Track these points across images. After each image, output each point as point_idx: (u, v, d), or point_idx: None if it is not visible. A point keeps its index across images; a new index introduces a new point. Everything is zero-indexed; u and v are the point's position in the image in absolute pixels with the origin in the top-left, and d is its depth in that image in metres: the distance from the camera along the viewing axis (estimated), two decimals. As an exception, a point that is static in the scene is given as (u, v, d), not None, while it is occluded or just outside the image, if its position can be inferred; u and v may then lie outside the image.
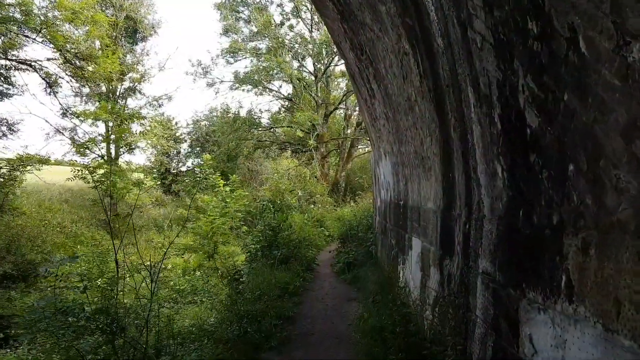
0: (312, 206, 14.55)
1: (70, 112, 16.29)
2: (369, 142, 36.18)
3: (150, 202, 22.72)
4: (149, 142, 32.48)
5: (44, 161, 13.85)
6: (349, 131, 28.45)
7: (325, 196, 21.43)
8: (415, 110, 4.68)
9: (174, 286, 8.48)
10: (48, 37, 11.77)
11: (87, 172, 7.30)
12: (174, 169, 33.95)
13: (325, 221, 14.14)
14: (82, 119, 17.38)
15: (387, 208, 7.61)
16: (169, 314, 5.60)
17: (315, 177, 23.36)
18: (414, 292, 4.89)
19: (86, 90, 19.84)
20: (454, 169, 3.59)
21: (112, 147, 21.96)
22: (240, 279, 7.80)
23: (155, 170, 32.23)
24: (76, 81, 15.01)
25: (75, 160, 21.29)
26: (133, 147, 20.82)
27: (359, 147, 30.51)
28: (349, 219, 11.67)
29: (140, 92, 21.47)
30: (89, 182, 7.37)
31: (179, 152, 34.73)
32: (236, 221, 17.17)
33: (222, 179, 17.48)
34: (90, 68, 14.42)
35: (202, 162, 31.19)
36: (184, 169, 35.00)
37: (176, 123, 34.53)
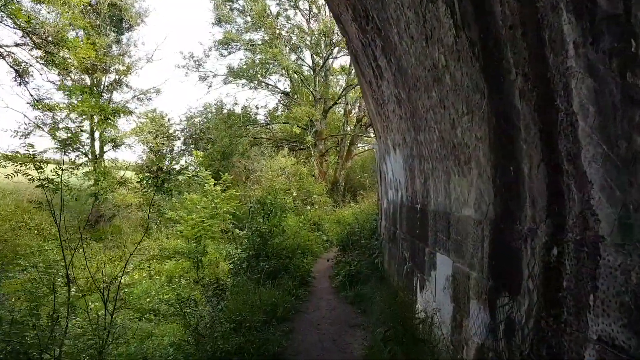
0: (309, 207, 13.27)
1: (42, 104, 14.94)
2: (369, 138, 34.91)
3: (137, 202, 21.38)
4: (139, 139, 31.30)
5: (10, 158, 12.50)
6: (348, 128, 27.16)
7: (324, 196, 20.14)
8: (445, 80, 3.40)
9: (141, 304, 7.17)
10: (6, 12, 10.44)
11: (31, 167, 5.82)
12: (166, 168, 32.64)
13: (323, 224, 12.87)
14: (61, 111, 16.07)
15: (396, 211, 6.33)
16: None
17: (313, 176, 22.08)
18: (442, 328, 3.61)
19: (68, 82, 18.53)
20: (519, 158, 2.31)
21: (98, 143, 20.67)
22: (223, 295, 6.53)
23: (147, 168, 31.04)
24: (48, 69, 13.68)
25: (54, 158, 19.97)
26: (119, 143, 19.46)
27: (358, 144, 29.24)
28: (350, 222, 10.38)
29: (126, 85, 20.18)
30: (33, 180, 6.01)
31: (172, 150, 33.48)
32: (227, 223, 15.95)
33: (215, 178, 16.27)
34: (61, 54, 13.11)
35: (195, 160, 29.94)
36: (177, 167, 33.82)
37: (169, 120, 33.29)
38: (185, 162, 33.79)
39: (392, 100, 5.71)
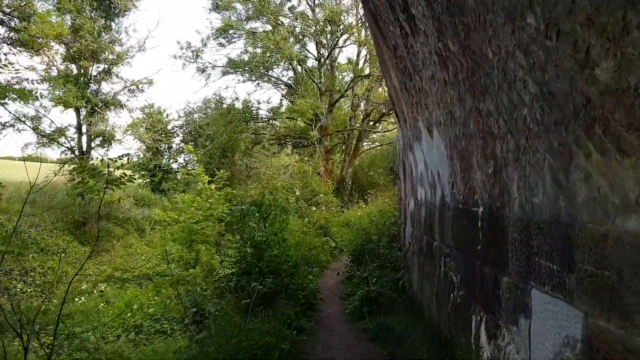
0: (314, 208, 11.64)
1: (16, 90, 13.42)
2: (377, 135, 33.23)
3: (129, 202, 19.87)
4: (135, 135, 29.85)
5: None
6: (356, 125, 25.55)
7: (330, 195, 18.55)
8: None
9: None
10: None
11: None
12: (164, 166, 31.15)
13: (330, 227, 11.25)
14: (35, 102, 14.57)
15: (432, 215, 4.72)
16: None
17: (318, 174, 20.48)
18: None
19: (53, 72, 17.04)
20: None
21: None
22: (202, 325, 4.98)
23: (143, 165, 29.53)
24: (14, 49, 12.16)
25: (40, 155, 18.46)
26: (108, 139, 17.92)
27: (364, 142, 27.61)
28: (365, 226, 8.77)
29: (117, 75, 18.66)
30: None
31: (170, 147, 31.96)
32: (222, 226, 14.40)
33: (213, 176, 14.77)
34: (31, 32, 11.59)
35: (191, 156, 28.34)
36: (175, 165, 32.30)
37: (167, 115, 31.77)
38: (184, 159, 32.47)
39: (430, 62, 4.11)
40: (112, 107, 18.57)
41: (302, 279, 6.15)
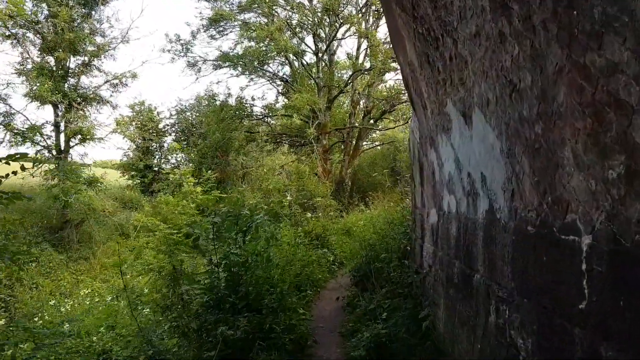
0: (310, 214, 10.18)
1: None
2: (378, 134, 31.87)
3: (111, 206, 18.47)
4: (124, 134, 28.48)
5: None
6: (356, 123, 24.15)
7: (328, 198, 17.17)
8: None
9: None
10: None
11: None
12: (155, 166, 29.70)
13: (328, 236, 9.80)
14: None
15: (471, 235, 3.36)
16: None
17: (316, 175, 19.11)
18: None
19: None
20: None
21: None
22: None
23: (133, 166, 28.09)
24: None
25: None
26: (88, 137, 16.50)
27: (364, 143, 26.22)
28: (368, 237, 7.38)
29: (98, 68, 17.26)
30: None
31: (161, 147, 30.52)
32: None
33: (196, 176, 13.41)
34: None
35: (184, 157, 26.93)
36: (167, 166, 30.83)
37: (158, 114, 30.33)
38: (176, 159, 31.05)
39: (475, 10, 2.76)
40: (93, 103, 17.17)
41: (290, 315, 4.72)
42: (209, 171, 14.14)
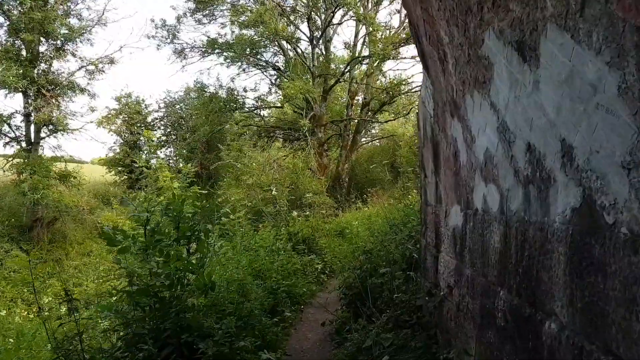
0: (296, 213, 8.65)
1: None
2: (377, 128, 30.50)
3: (87, 203, 17.06)
4: (108, 127, 27.08)
5: None
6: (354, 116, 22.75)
7: (323, 194, 15.78)
8: None
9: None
10: None
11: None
12: (141, 161, 28.18)
13: (318, 239, 8.28)
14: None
15: (538, 251, 1.95)
16: None
17: (310, 170, 17.71)
18: None
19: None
20: None
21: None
22: None
23: (119, 161, 26.62)
24: None
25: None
26: (60, 128, 15.03)
27: (362, 139, 24.79)
28: (364, 242, 6.02)
29: (73, 53, 15.80)
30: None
31: (150, 141, 28.88)
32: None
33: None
34: None
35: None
36: (153, 161, 29.31)
37: (146, 106, 28.82)
38: (165, 154, 29.60)
39: None
40: (66, 91, 15.72)
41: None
42: (188, 164, 12.83)
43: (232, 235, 7.17)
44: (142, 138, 27.88)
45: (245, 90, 23.47)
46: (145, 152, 28.60)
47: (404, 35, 17.75)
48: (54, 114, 14.63)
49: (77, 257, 15.53)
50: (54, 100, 14.74)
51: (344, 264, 6.03)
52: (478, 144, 2.69)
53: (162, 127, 29.28)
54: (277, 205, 8.31)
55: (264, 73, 22.47)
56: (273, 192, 8.70)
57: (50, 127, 15.00)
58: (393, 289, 4.07)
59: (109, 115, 27.68)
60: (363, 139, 25.97)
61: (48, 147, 15.59)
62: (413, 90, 21.81)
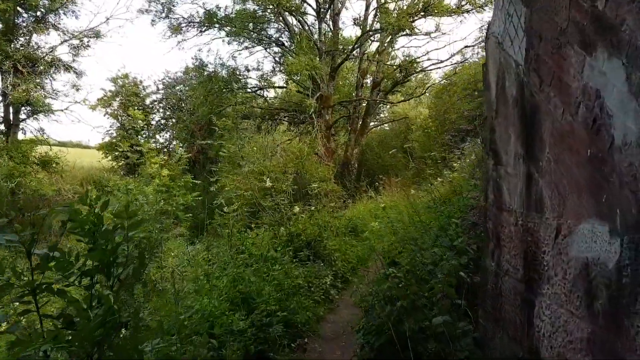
0: (298, 209, 7.01)
1: None
2: (381, 115, 28.84)
3: (71, 191, 15.68)
4: (105, 110, 25.69)
5: None
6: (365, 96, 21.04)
7: (331, 182, 14.27)
8: None
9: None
10: None
11: None
12: (142, 146, 26.74)
13: (325, 241, 6.49)
14: None
15: None
16: None
17: (317, 155, 16.17)
18: None
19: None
20: None
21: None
22: None
23: (115, 146, 25.18)
24: None
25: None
26: (40, 109, 13.54)
27: (371, 122, 23.02)
28: (382, 238, 4.50)
29: (55, 26, 14.23)
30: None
31: (148, 125, 27.44)
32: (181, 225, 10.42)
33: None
34: None
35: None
36: (156, 146, 27.77)
37: (144, 88, 27.22)
38: (165, 139, 28.07)
39: None
40: (48, 68, 14.20)
41: None
42: (180, 149, 11.38)
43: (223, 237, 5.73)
44: (139, 121, 26.38)
45: (247, 69, 21.76)
46: (144, 135, 27.16)
47: (422, 4, 15.95)
48: (32, 93, 13.13)
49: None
50: (31, 78, 13.23)
51: (360, 279, 4.54)
52: None
53: (161, 110, 27.74)
54: (275, 198, 6.80)
55: (267, 50, 20.78)
56: (267, 184, 7.18)
57: (29, 107, 13.54)
58: (445, 336, 2.58)
59: (105, 98, 26.27)
60: (372, 123, 24.30)
61: (30, 130, 14.17)
62: (429, 69, 20.07)
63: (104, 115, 26.33)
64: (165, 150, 25.41)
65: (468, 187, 6.13)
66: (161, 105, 27.46)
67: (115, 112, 26.22)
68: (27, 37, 13.81)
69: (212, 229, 7.99)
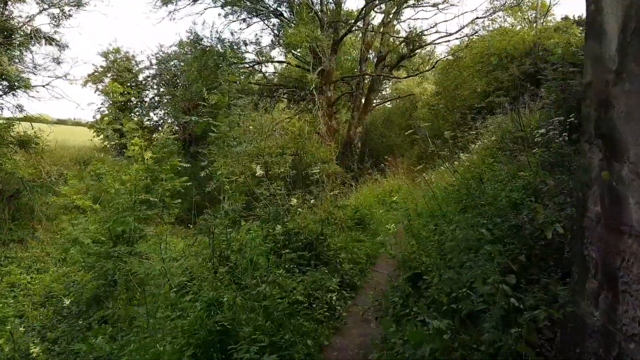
0: (295, 201, 5.97)
1: None
2: (384, 92, 27.59)
3: (56, 172, 14.68)
4: (96, 87, 24.51)
5: None
6: (368, 70, 19.80)
7: (333, 163, 13.29)
8: None
9: None
10: None
11: None
12: (136, 124, 25.56)
13: (329, 239, 5.39)
14: None
15: None
16: None
17: (318, 134, 15.13)
18: None
19: None
20: None
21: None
22: None
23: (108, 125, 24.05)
24: None
25: None
26: (18, 84, 12.41)
27: (375, 99, 21.80)
28: (394, 233, 3.52)
29: (31, -7, 13.01)
30: None
31: (142, 102, 26.21)
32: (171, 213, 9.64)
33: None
34: None
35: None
36: (150, 123, 26.55)
37: (137, 63, 25.84)
38: (159, 116, 26.83)
39: None
40: (30, 40, 13.02)
41: None
42: (165, 127, 10.35)
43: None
44: (133, 99, 25.16)
45: (245, 43, 20.43)
46: (138, 114, 25.93)
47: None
48: (5, 66, 11.97)
49: (47, 236, 13.35)
50: (5, 50, 12.07)
51: (377, 297, 3.62)
52: None
53: (155, 87, 26.43)
54: (270, 187, 5.81)
55: (266, 22, 19.43)
56: (258, 172, 6.16)
57: (5, 82, 12.41)
58: None
59: (96, 74, 25.01)
60: (376, 100, 23.11)
61: (8, 105, 13.08)
62: (437, 42, 18.78)
63: (95, 92, 25.13)
64: (160, 129, 24.30)
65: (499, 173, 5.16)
66: (155, 81, 26.14)
67: (107, 89, 24.98)
68: (1, 5, 12.61)
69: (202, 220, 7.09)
